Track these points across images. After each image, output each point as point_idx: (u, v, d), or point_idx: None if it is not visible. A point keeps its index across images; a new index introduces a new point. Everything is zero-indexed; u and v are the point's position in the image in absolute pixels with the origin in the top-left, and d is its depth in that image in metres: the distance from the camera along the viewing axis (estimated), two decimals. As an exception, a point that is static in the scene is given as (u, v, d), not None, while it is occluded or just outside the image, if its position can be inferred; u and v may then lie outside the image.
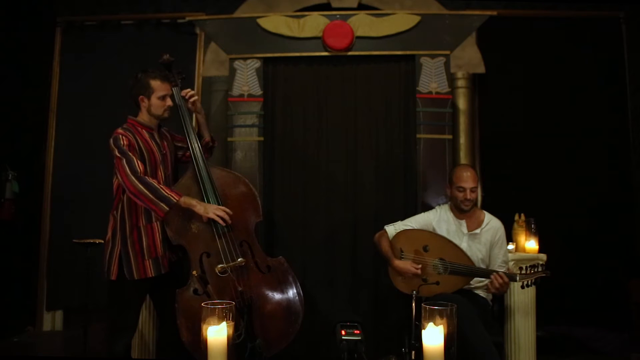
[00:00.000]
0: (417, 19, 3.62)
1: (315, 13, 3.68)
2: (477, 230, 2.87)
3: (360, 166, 3.70)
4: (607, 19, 4.06)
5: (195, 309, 2.16)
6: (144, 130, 2.56)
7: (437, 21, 3.65)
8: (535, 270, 2.70)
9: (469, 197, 2.82)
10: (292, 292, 2.55)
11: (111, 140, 2.47)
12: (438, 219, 2.94)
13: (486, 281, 2.83)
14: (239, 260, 2.47)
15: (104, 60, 4.14)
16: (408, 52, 3.66)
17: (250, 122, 3.66)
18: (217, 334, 1.48)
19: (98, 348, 3.37)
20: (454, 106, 3.68)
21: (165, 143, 2.65)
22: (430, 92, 3.61)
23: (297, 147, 3.73)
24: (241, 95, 3.67)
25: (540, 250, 3.31)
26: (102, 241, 2.60)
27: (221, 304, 1.53)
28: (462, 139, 3.70)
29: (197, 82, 4.09)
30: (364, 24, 3.63)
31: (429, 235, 2.86)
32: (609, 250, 3.86)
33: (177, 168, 2.74)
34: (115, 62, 4.07)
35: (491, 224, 2.90)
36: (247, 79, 3.67)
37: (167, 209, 2.37)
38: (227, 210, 2.47)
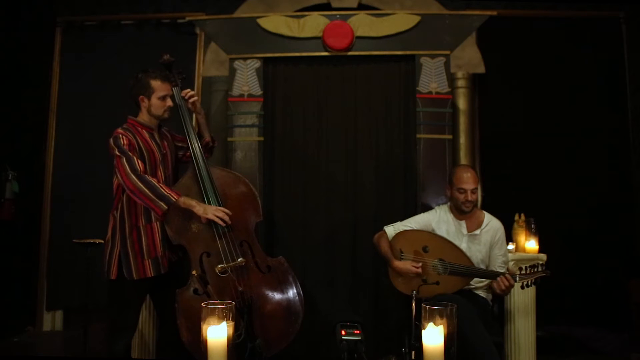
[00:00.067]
0: (417, 19, 3.62)
1: (315, 13, 3.68)
2: (477, 231, 2.87)
3: (360, 166, 3.70)
4: (607, 19, 4.06)
5: (195, 309, 2.15)
6: (144, 130, 2.56)
7: (437, 21, 3.65)
8: (535, 270, 2.70)
9: (470, 198, 2.81)
10: (292, 292, 2.55)
11: (111, 140, 2.47)
12: (438, 220, 2.93)
13: (486, 281, 2.83)
14: (239, 260, 2.47)
15: (104, 60, 4.14)
16: (408, 52, 3.65)
17: (250, 122, 3.66)
18: (217, 334, 1.48)
19: (98, 348, 3.37)
20: (454, 106, 3.68)
21: (166, 143, 2.65)
22: (430, 92, 3.61)
23: (297, 147, 3.73)
24: (241, 95, 3.67)
25: (540, 250, 3.31)
26: (102, 241, 2.60)
27: (221, 304, 1.54)
28: (462, 139, 3.70)
29: (197, 82, 4.09)
30: (364, 24, 3.63)
31: (429, 236, 2.86)
32: (609, 250, 3.86)
33: (178, 168, 2.74)
34: (115, 62, 4.08)
35: (491, 224, 2.90)
36: (247, 79, 3.67)
37: (166, 207, 2.37)
38: (227, 210, 2.47)
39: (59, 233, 4.08)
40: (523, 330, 3.14)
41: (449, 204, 2.96)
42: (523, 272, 2.74)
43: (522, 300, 3.14)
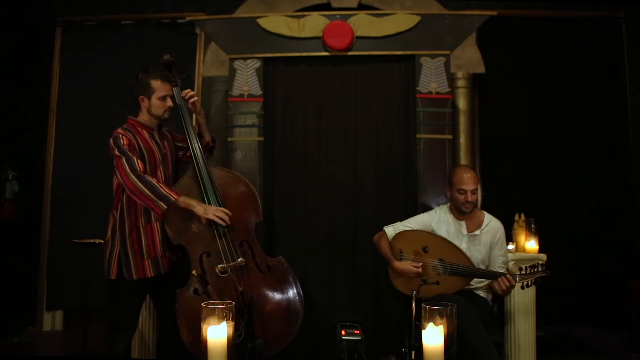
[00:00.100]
0: (417, 19, 3.62)
1: (315, 13, 3.68)
2: (477, 232, 2.86)
3: (360, 166, 3.70)
4: (607, 19, 4.06)
5: (196, 309, 2.15)
6: (144, 130, 2.56)
7: (437, 21, 3.65)
8: (535, 270, 2.70)
9: (470, 199, 2.80)
10: (292, 292, 2.56)
11: (111, 140, 2.47)
12: (437, 220, 2.93)
13: (486, 282, 2.83)
14: (239, 260, 2.47)
15: (104, 60, 4.14)
16: (408, 52, 3.65)
17: (250, 122, 3.66)
18: (217, 334, 1.48)
19: (98, 348, 3.37)
20: (454, 106, 3.68)
21: (166, 143, 2.65)
22: (430, 92, 3.61)
23: (297, 147, 3.73)
24: (241, 95, 3.67)
25: (540, 250, 3.30)
26: (102, 241, 2.60)
27: (221, 304, 1.54)
28: (462, 139, 3.70)
29: (197, 82, 4.09)
30: (364, 24, 3.63)
31: (429, 236, 2.85)
32: (609, 250, 3.86)
33: (178, 168, 2.74)
34: (115, 62, 4.08)
35: (491, 224, 2.89)
36: (247, 79, 3.67)
37: (166, 207, 2.37)
38: (227, 211, 2.47)
39: (59, 233, 4.08)
40: (523, 330, 3.14)
41: (448, 204, 2.96)
42: (523, 272, 2.74)
43: (522, 300, 3.13)
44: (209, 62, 3.76)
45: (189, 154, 2.64)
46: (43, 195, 4.16)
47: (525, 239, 3.36)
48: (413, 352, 2.39)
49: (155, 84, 2.54)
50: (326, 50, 3.66)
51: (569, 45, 4.03)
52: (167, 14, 4.18)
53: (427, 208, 3.35)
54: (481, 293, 2.88)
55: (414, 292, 2.57)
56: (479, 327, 2.52)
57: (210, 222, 2.47)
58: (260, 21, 3.66)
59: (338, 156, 3.72)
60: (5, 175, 3.85)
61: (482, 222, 2.89)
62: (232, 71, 3.67)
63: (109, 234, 2.52)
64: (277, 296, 2.55)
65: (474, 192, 2.82)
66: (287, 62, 3.74)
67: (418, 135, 3.60)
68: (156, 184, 2.39)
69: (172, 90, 2.62)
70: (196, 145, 2.62)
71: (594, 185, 3.92)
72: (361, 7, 3.80)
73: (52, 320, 4.13)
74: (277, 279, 2.57)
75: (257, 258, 2.58)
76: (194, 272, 2.46)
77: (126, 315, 2.51)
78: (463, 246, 2.83)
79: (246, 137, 3.66)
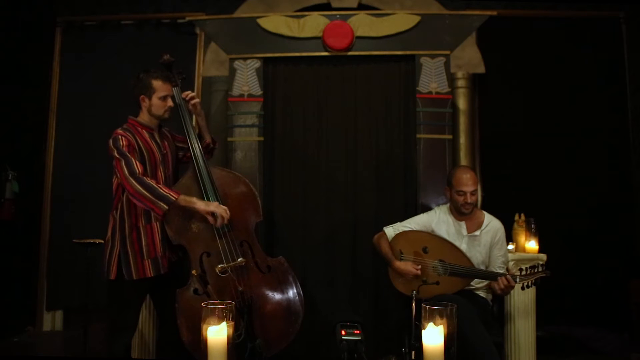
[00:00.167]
0: (417, 19, 3.62)
1: (315, 13, 3.68)
2: (477, 232, 2.86)
3: (360, 166, 3.70)
4: (607, 19, 4.06)
5: (196, 308, 2.15)
6: (144, 131, 2.56)
7: (437, 21, 3.65)
8: (535, 270, 2.69)
9: (469, 200, 2.80)
10: (292, 292, 2.56)
11: (110, 141, 2.47)
12: (437, 220, 2.93)
13: (486, 282, 2.83)
14: (239, 260, 2.47)
15: (104, 60, 4.14)
16: (408, 52, 3.65)
17: (250, 122, 3.66)
18: (217, 334, 1.48)
19: (98, 348, 3.37)
20: (454, 106, 3.68)
21: (166, 143, 2.65)
22: (430, 92, 3.61)
23: (297, 147, 3.73)
24: (241, 95, 3.67)
25: (540, 250, 3.30)
26: (102, 241, 2.60)
27: (221, 304, 1.53)
28: (462, 139, 3.70)
29: (197, 82, 4.09)
30: (364, 24, 3.63)
31: (429, 237, 2.85)
32: (609, 250, 3.86)
33: (178, 168, 2.74)
34: (115, 62, 4.08)
35: (491, 225, 2.89)
36: (247, 79, 3.67)
37: (166, 207, 2.37)
38: (227, 209, 2.47)
39: (59, 233, 4.08)
40: (523, 330, 3.14)
41: (448, 204, 2.95)
42: (523, 272, 2.73)
43: (522, 300, 3.13)
44: (209, 62, 3.76)
45: (189, 154, 2.64)
46: (43, 195, 4.16)
47: (525, 239, 3.36)
48: (413, 352, 2.40)
49: (157, 83, 2.55)
50: (326, 50, 3.66)
51: (569, 45, 4.03)
52: (167, 14, 4.18)
53: (427, 208, 3.35)
54: (481, 293, 2.88)
55: (414, 292, 2.57)
56: (479, 327, 2.52)
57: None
58: (260, 21, 3.66)
59: (338, 156, 3.72)
60: (5, 175, 3.84)
61: (482, 222, 2.89)
62: (232, 71, 3.67)
63: (109, 234, 2.52)
64: (277, 296, 2.55)
65: (473, 193, 2.81)
66: (287, 62, 3.73)
67: (418, 135, 3.60)
68: (155, 185, 2.39)
69: (173, 91, 2.62)
70: (196, 145, 2.62)
71: (594, 185, 3.92)
72: (361, 7, 3.80)
73: (52, 320, 4.13)
74: (277, 279, 2.57)
75: (257, 258, 2.58)
76: (194, 272, 2.46)
77: (126, 315, 2.51)
78: (463, 247, 2.83)
79: (246, 137, 3.66)
